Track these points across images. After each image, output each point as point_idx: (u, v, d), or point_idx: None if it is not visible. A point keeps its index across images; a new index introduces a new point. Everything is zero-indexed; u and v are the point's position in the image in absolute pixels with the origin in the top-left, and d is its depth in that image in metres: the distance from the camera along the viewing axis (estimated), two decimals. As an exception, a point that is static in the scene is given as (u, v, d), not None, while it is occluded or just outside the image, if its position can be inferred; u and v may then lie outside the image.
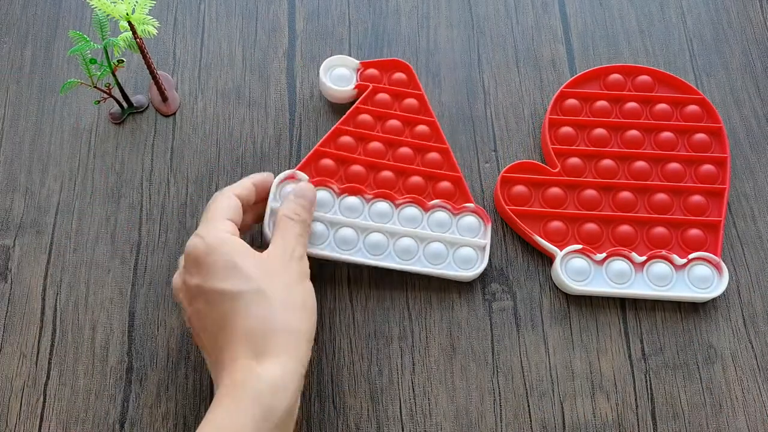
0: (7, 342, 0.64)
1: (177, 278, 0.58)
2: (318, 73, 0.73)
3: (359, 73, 0.73)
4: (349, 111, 0.70)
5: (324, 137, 0.69)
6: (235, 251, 0.55)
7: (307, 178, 0.67)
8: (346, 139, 0.69)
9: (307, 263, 0.58)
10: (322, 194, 0.66)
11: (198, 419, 0.61)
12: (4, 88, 0.74)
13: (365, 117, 0.70)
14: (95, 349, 0.64)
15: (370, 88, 0.72)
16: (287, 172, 0.66)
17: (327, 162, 0.68)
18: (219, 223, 0.57)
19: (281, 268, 0.56)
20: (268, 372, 0.51)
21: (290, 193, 0.62)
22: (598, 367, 0.63)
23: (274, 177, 0.65)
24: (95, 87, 0.68)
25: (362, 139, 0.70)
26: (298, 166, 0.68)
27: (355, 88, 0.72)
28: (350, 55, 0.76)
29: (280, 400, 0.50)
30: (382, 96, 0.72)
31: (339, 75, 0.73)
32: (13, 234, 0.68)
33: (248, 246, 0.56)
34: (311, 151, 0.68)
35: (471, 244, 0.65)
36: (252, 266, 0.54)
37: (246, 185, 0.62)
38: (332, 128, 0.69)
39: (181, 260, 0.58)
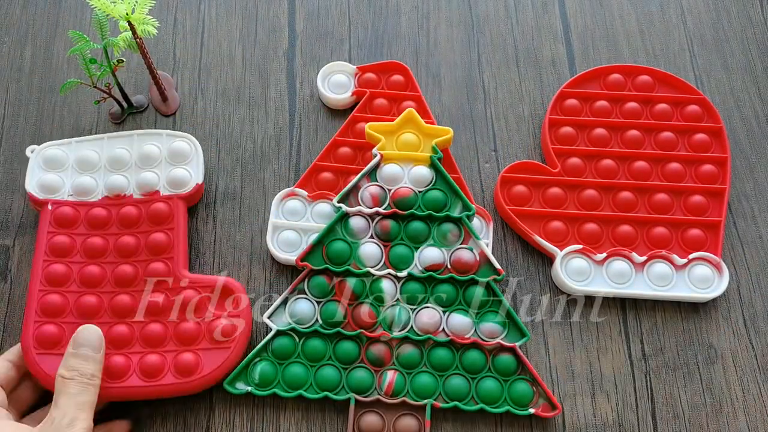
0: (7, 342, 0.64)
1: None
2: (318, 73, 0.73)
3: (357, 78, 0.73)
4: (346, 121, 0.71)
5: (322, 151, 0.69)
6: None
7: (306, 194, 0.67)
8: (344, 150, 0.69)
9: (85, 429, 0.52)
10: (323, 206, 0.67)
11: (198, 419, 0.61)
12: (4, 88, 0.74)
13: (363, 125, 0.70)
14: (95, 349, 0.64)
15: (367, 94, 0.72)
16: (286, 190, 0.67)
17: (326, 175, 0.68)
18: None
19: None
20: None
21: (70, 343, 0.57)
22: (598, 367, 0.63)
23: (277, 192, 0.66)
24: (95, 87, 0.68)
25: (361, 148, 0.70)
26: (296, 183, 0.68)
27: (353, 94, 0.72)
28: (350, 55, 0.76)
29: None
30: (380, 101, 0.72)
31: (337, 82, 0.73)
32: (13, 234, 0.68)
33: (9, 418, 0.53)
34: (310, 167, 0.69)
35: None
36: None
37: (1, 364, 0.58)
38: (330, 141, 0.70)
39: None
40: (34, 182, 0.66)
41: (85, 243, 0.64)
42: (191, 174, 0.67)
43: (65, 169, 0.67)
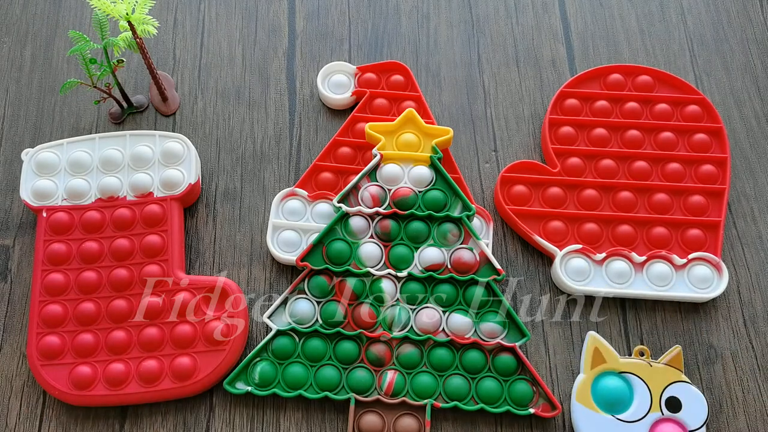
0: (7, 342, 0.64)
1: None
2: (318, 73, 0.73)
3: (357, 78, 0.73)
4: (346, 121, 0.71)
5: (322, 151, 0.69)
6: None
7: (306, 194, 0.67)
8: (344, 150, 0.69)
9: None
10: (323, 206, 0.67)
11: (198, 419, 0.61)
12: (4, 88, 0.74)
13: (363, 125, 0.70)
14: (95, 349, 0.64)
15: (367, 94, 0.72)
16: (286, 190, 0.67)
17: (326, 175, 0.68)
18: None
19: None
20: None
21: None
22: (598, 367, 0.63)
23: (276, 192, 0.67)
24: (95, 87, 0.68)
25: (361, 148, 0.70)
26: (296, 183, 0.68)
27: (353, 94, 0.72)
28: (350, 55, 0.76)
29: None
30: (380, 101, 0.72)
31: (337, 82, 0.73)
32: (13, 234, 0.68)
33: None
34: (310, 167, 0.69)
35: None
36: None
37: None
38: (330, 141, 0.70)
39: None
40: (28, 189, 0.66)
41: (81, 248, 0.64)
42: (184, 174, 0.67)
43: (58, 172, 0.67)
